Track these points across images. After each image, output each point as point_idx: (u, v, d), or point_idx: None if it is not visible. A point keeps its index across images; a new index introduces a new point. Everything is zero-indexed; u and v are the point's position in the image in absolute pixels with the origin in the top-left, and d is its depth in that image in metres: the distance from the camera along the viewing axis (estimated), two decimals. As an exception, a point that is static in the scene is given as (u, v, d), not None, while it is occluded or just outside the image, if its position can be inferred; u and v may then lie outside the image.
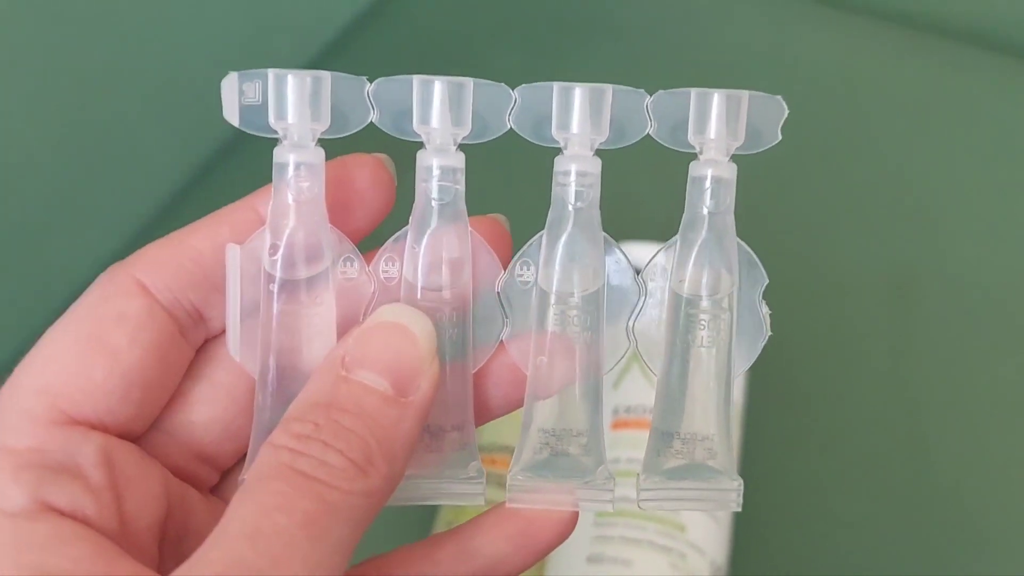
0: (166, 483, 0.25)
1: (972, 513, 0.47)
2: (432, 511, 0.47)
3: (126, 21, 0.56)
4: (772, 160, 0.59)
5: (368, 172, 0.27)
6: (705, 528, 0.41)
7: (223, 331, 0.26)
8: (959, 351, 0.53)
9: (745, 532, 0.45)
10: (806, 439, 0.50)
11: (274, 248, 0.26)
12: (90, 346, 0.24)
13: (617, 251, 0.27)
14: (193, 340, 0.26)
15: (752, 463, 0.47)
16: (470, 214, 0.27)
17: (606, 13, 0.70)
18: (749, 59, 0.67)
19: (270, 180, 0.26)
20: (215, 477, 0.27)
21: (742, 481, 0.28)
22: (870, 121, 0.63)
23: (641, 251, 0.48)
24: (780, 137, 0.27)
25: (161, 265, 0.25)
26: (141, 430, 0.25)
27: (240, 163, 0.60)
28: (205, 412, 0.26)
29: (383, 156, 0.27)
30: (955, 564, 0.46)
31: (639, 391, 0.42)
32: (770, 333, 0.28)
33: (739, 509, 0.28)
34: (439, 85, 0.26)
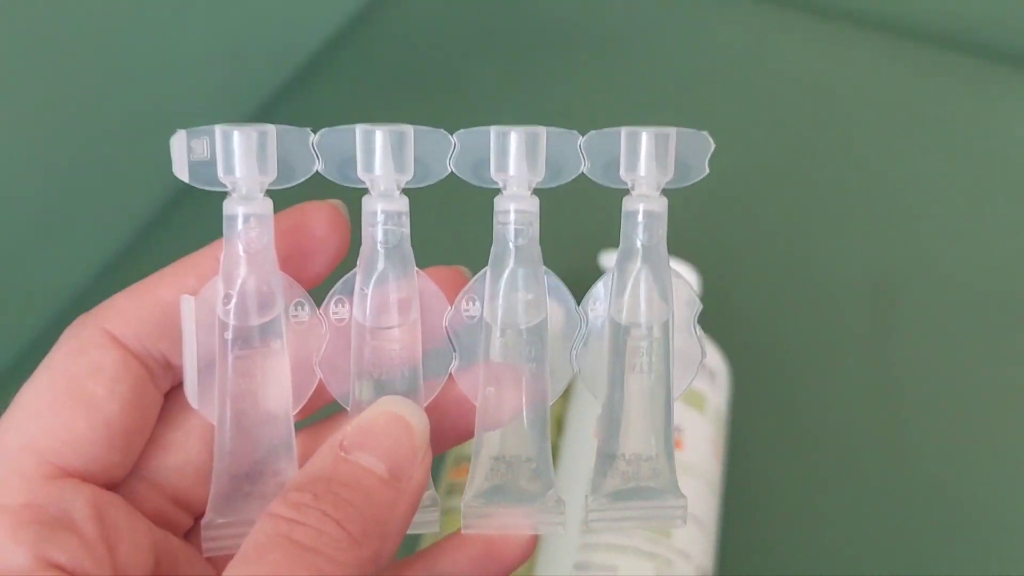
0: (152, 533, 0.26)
1: (957, 512, 0.48)
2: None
3: (107, 37, 0.56)
4: (753, 165, 0.61)
5: (324, 218, 0.28)
6: (690, 534, 0.42)
7: None
8: (940, 351, 0.54)
9: (730, 537, 0.46)
10: (789, 441, 0.51)
11: (227, 298, 0.27)
12: (70, 399, 0.25)
13: (558, 283, 0.29)
14: (162, 386, 0.27)
15: (736, 466, 0.48)
16: (418, 254, 0.28)
17: (587, 22, 0.71)
18: (729, 66, 0.68)
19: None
20: (190, 521, 0.28)
21: (687, 498, 0.29)
22: (849, 125, 0.64)
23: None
24: (707, 170, 0.28)
25: (130, 316, 0.26)
26: (121, 477, 0.26)
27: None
28: (179, 456, 0.27)
29: (338, 202, 0.28)
30: (941, 563, 0.46)
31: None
32: (705, 355, 0.29)
33: (684, 525, 0.30)
34: (380, 134, 0.27)
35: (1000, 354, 0.54)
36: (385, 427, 0.26)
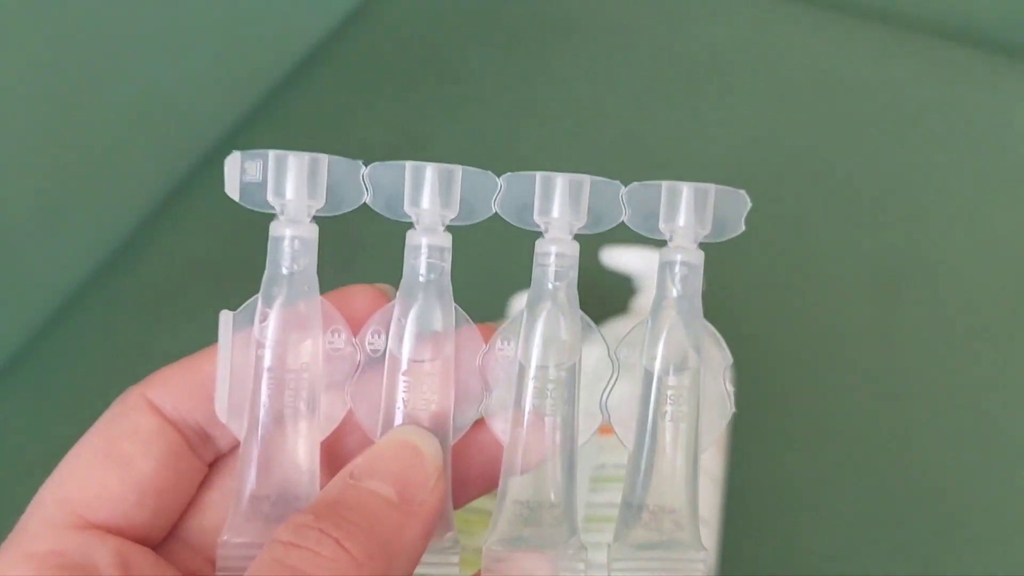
0: None
1: (960, 508, 0.47)
2: None
3: (105, 32, 0.57)
4: (756, 157, 0.61)
5: (368, 302, 0.28)
6: None
7: (232, 448, 0.28)
8: (944, 346, 0.53)
9: (733, 534, 0.45)
10: (793, 438, 0.50)
11: (264, 315, 0.27)
12: (106, 459, 0.26)
13: (594, 329, 0.29)
14: (204, 456, 0.28)
15: (739, 463, 0.47)
16: (456, 291, 0.28)
17: (590, 13, 0.71)
18: (732, 58, 0.67)
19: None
20: None
21: (707, 551, 0.29)
22: (853, 118, 0.64)
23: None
24: (743, 228, 0.29)
25: (171, 386, 0.27)
26: (159, 538, 0.27)
27: (222, 174, 0.59)
28: (215, 517, 0.27)
29: (386, 287, 0.28)
30: (944, 558, 0.46)
31: (623, 395, 0.44)
32: (734, 410, 0.30)
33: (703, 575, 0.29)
34: (430, 172, 0.28)
35: (1004, 348, 0.53)
36: (395, 453, 0.26)
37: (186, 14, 0.61)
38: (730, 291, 0.53)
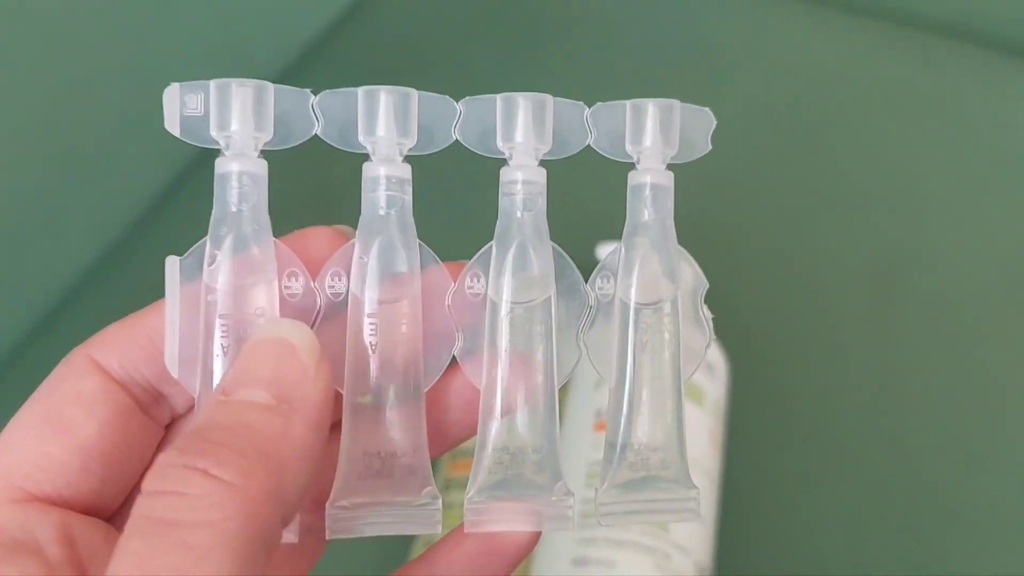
0: None
1: (957, 505, 0.47)
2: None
3: (102, 27, 0.55)
4: (754, 153, 0.60)
5: (326, 244, 0.26)
6: (689, 528, 0.41)
7: (188, 409, 0.26)
8: (941, 342, 0.53)
9: (729, 531, 0.44)
10: (788, 434, 0.50)
11: (212, 257, 0.25)
12: (47, 425, 0.24)
13: (566, 259, 0.27)
14: (156, 417, 0.26)
15: (734, 459, 0.47)
16: (419, 226, 0.26)
17: (583, 11, 0.70)
18: (731, 53, 0.67)
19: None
20: None
21: (699, 489, 0.28)
22: (850, 114, 0.64)
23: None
24: (710, 147, 0.28)
25: (115, 344, 0.25)
26: (112, 507, 0.25)
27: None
28: None
29: (345, 228, 0.26)
30: (940, 556, 0.45)
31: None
32: (713, 337, 0.28)
33: (698, 518, 0.28)
34: (384, 96, 0.26)
35: (1000, 344, 0.53)
36: (264, 354, 0.23)
37: (181, 11, 0.59)
38: (726, 287, 0.53)
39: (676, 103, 0.28)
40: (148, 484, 0.20)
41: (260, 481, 0.20)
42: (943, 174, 0.61)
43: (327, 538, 0.25)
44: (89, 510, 0.24)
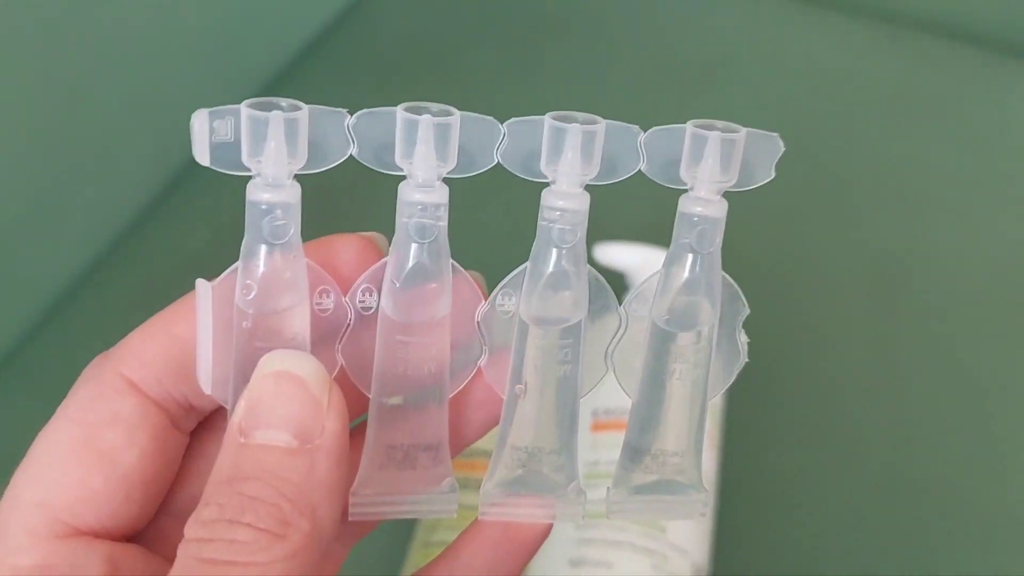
0: None
1: (957, 504, 0.48)
2: (408, 534, 0.47)
3: (100, 25, 0.53)
4: None
5: (353, 254, 0.25)
6: (686, 529, 0.42)
7: (213, 412, 0.26)
8: (942, 343, 0.53)
9: (726, 532, 0.45)
10: (787, 434, 0.50)
11: (247, 288, 0.25)
12: (86, 453, 0.24)
13: (602, 283, 0.27)
14: (186, 428, 0.26)
15: (732, 460, 0.47)
16: (452, 241, 0.26)
17: (583, 11, 0.68)
18: (730, 54, 0.66)
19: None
20: None
21: (709, 492, 0.29)
22: (851, 115, 0.63)
23: (622, 253, 0.47)
24: (774, 175, 0.26)
25: (148, 359, 0.24)
26: (145, 524, 0.25)
27: (217, 171, 0.59)
28: (200, 485, 0.25)
29: (376, 236, 0.25)
30: (941, 555, 0.46)
31: (619, 393, 0.43)
32: (747, 360, 0.28)
33: (704, 516, 0.29)
34: (424, 122, 0.24)
35: (999, 344, 0.53)
36: (275, 391, 0.23)
37: (180, 11, 0.57)
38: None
39: (742, 132, 0.25)
40: (193, 532, 0.22)
41: (300, 524, 0.22)
42: (943, 174, 0.60)
43: (349, 520, 0.27)
44: (128, 536, 0.25)
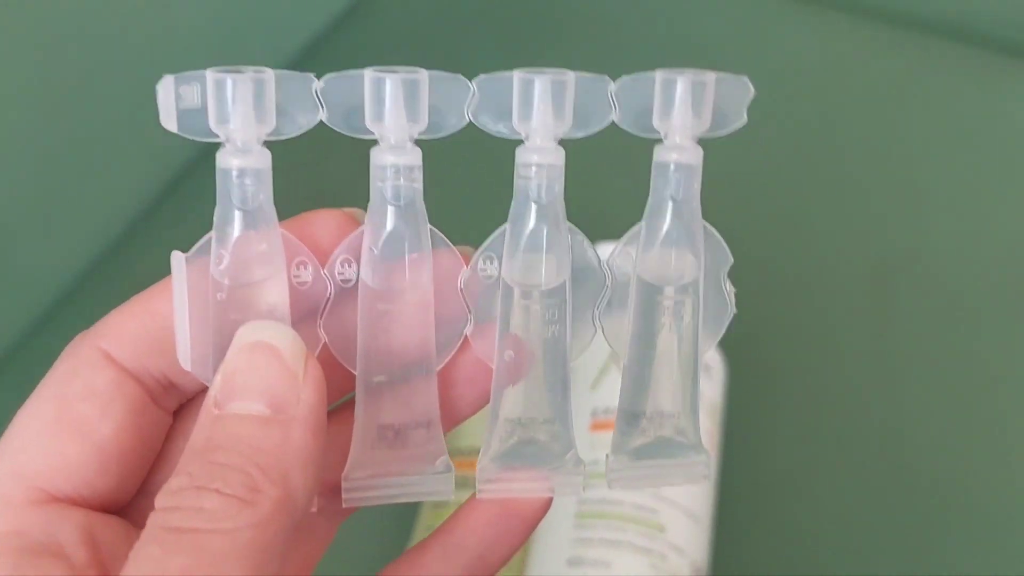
0: None
1: (956, 503, 0.47)
2: (412, 519, 0.46)
3: (100, 25, 0.54)
4: (752, 153, 0.59)
5: (333, 229, 0.25)
6: (685, 529, 0.41)
7: (198, 393, 0.26)
8: (940, 342, 0.53)
9: (725, 532, 0.45)
10: (785, 435, 0.50)
11: (220, 257, 0.24)
12: (61, 424, 0.24)
13: (582, 239, 0.27)
14: (167, 406, 0.26)
15: (731, 459, 0.47)
16: (429, 208, 0.26)
17: (583, 11, 0.69)
18: (729, 53, 0.66)
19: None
20: None
21: (710, 453, 0.28)
22: (850, 114, 0.63)
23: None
24: (746, 119, 0.26)
25: (126, 334, 0.24)
26: (126, 499, 0.25)
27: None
28: None
29: (354, 211, 0.25)
30: (939, 554, 0.46)
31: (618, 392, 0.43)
32: (735, 311, 0.28)
33: (707, 480, 0.28)
34: (391, 81, 0.24)
35: (998, 341, 0.53)
36: (250, 361, 0.23)
37: (181, 10, 0.58)
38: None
39: (711, 78, 0.25)
40: (162, 502, 0.21)
41: (271, 491, 0.21)
42: (943, 174, 0.60)
43: (343, 507, 0.27)
44: (107, 507, 0.24)
